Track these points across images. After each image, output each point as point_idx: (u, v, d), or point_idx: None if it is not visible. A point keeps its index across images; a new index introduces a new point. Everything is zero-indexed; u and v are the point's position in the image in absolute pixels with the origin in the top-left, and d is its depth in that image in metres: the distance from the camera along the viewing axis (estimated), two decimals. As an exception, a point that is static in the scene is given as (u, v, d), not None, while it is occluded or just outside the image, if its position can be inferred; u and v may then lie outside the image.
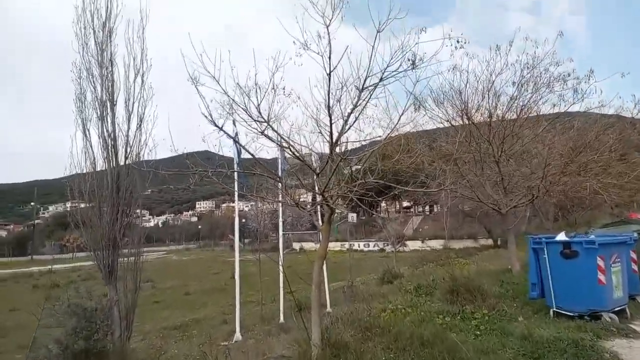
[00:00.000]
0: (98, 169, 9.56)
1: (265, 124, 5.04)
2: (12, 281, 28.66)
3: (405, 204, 74.12)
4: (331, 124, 5.16)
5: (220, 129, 5.14)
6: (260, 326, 12.22)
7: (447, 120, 12.79)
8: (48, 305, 9.21)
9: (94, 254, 9.29)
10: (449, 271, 10.45)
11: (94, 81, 9.96)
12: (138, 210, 10.60)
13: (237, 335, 10.81)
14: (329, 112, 5.14)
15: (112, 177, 9.64)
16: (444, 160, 12.16)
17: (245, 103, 5.03)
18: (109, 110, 10.03)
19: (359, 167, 5.64)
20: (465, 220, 36.81)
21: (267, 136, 4.93)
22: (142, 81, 10.24)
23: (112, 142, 9.77)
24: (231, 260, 44.83)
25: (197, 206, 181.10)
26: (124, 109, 10.09)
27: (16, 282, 28.34)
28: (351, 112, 5.25)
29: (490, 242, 35.50)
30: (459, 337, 5.60)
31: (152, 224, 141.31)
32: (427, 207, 68.81)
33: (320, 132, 5.44)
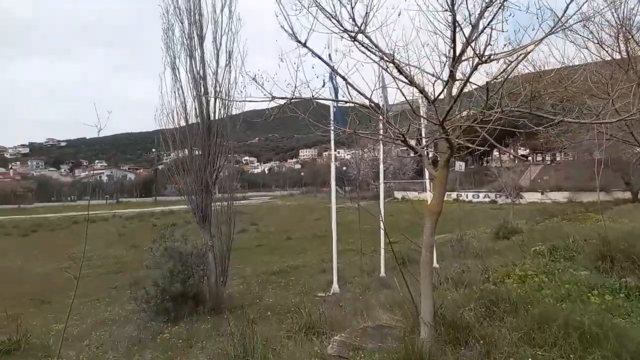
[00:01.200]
0: (188, 109, 9.08)
1: (358, 31, 3.62)
2: (137, 219, 32.05)
3: (521, 151, 67.24)
4: (455, 27, 3.56)
5: (304, 45, 3.87)
6: (360, 278, 11.40)
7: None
8: (151, 247, 9.29)
9: (187, 198, 9.02)
10: (596, 229, 8.29)
11: (181, 15, 9.30)
12: (231, 155, 10.03)
13: (335, 287, 10.10)
14: (452, 9, 3.54)
15: (203, 118, 9.12)
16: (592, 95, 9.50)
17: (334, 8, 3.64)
18: (197, 46, 9.36)
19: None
20: (599, 170, 31.62)
21: (362, 44, 3.53)
22: (230, 12, 9.36)
23: (202, 81, 9.16)
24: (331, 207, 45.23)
25: (300, 154, 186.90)
26: (212, 43, 9.35)
27: (140, 220, 31.63)
28: (483, 12, 3.58)
29: (627, 195, 30.35)
30: (634, 328, 3.94)
31: (259, 170, 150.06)
32: (547, 156, 61.74)
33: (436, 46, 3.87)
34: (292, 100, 3.74)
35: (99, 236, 25.20)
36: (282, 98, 3.68)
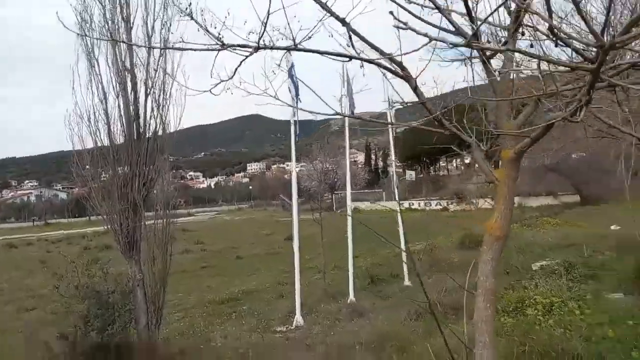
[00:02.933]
0: (109, 109, 7.10)
1: None
2: (65, 242, 28.50)
3: (467, 160, 69.21)
4: None
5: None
6: (326, 304, 9.80)
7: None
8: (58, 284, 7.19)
9: (106, 219, 7.01)
10: (569, 234, 7.25)
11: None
12: (168, 161, 8.10)
13: (298, 318, 8.43)
14: None
15: (129, 116, 7.19)
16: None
17: None
18: (122, 30, 7.43)
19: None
20: (546, 176, 32.30)
21: None
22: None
23: (129, 73, 7.24)
24: (284, 221, 43.41)
25: (248, 168, 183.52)
26: (142, 29, 7.45)
27: (69, 243, 28.14)
28: None
29: (575, 198, 31.16)
30: None
31: (204, 185, 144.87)
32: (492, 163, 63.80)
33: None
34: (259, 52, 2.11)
35: (18, 263, 21.83)
36: (242, 46, 2.05)
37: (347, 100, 10.96)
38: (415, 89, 2.18)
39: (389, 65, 2.11)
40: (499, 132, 2.43)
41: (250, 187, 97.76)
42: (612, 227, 17.21)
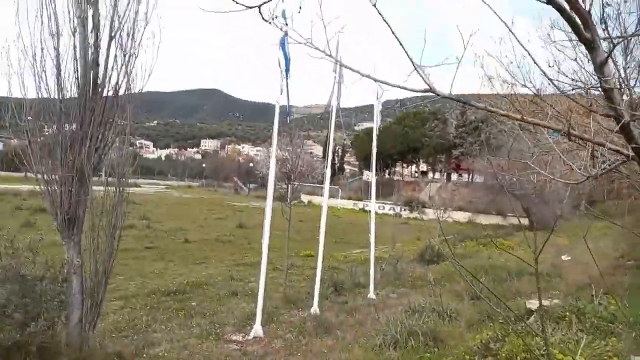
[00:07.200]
0: (62, 49, 5.69)
1: None
2: (-3, 198, 25.62)
3: (422, 167, 70.56)
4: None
5: None
6: (287, 312, 8.86)
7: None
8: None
9: (45, 190, 5.65)
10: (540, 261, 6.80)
11: None
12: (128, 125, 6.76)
13: (257, 328, 7.44)
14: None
15: (85, 62, 5.82)
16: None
17: None
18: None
19: None
20: (498, 195, 33.12)
21: None
22: None
23: (92, 6, 5.84)
24: (236, 206, 41.79)
25: (202, 144, 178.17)
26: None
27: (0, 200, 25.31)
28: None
29: (524, 221, 32.07)
30: None
31: (154, 156, 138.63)
32: (444, 175, 65.31)
33: None
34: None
35: None
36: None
37: (336, 89, 10.06)
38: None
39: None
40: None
41: (204, 165, 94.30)
42: (563, 257, 17.51)
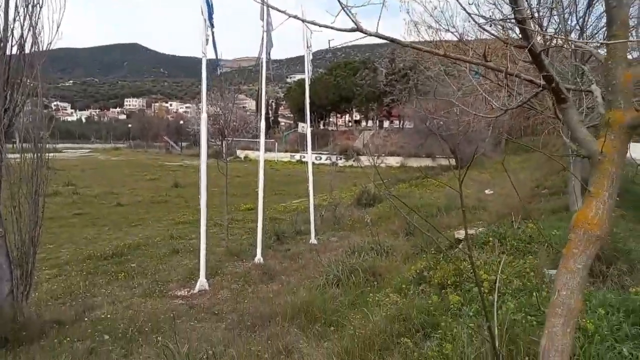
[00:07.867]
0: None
1: None
2: None
3: (356, 117, 71.59)
4: None
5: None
6: (231, 264, 9.04)
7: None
8: None
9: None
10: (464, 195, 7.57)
11: None
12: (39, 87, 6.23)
13: (202, 282, 7.57)
14: None
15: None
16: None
17: None
18: None
19: None
20: (427, 139, 34.86)
21: None
22: None
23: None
24: (169, 165, 40.40)
25: (125, 103, 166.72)
26: None
27: None
28: None
29: (449, 162, 34.24)
30: None
31: (74, 118, 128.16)
32: (377, 123, 66.84)
33: None
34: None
35: None
36: None
37: (266, 38, 9.82)
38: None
39: None
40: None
41: (130, 126, 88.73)
42: (487, 192, 19.12)
